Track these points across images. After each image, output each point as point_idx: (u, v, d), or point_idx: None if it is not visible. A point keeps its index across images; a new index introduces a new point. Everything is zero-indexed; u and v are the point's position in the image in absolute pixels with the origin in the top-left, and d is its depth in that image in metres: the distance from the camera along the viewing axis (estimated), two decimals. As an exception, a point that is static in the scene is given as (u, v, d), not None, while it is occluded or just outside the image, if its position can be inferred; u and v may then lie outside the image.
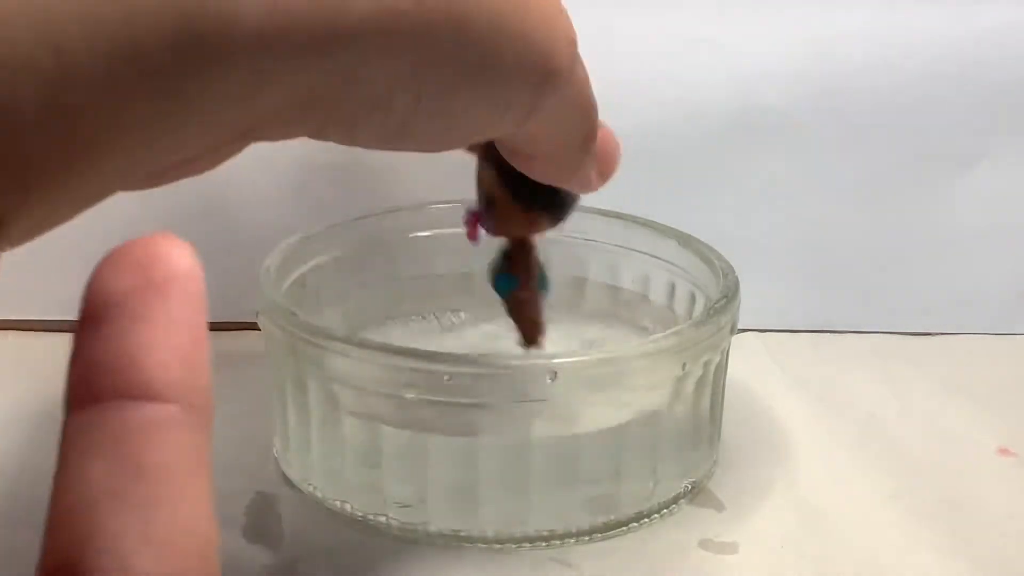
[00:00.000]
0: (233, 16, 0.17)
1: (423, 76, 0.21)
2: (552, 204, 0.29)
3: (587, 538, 0.31)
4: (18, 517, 0.31)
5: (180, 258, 0.16)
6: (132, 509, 0.15)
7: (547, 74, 0.23)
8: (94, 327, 0.16)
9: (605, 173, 0.28)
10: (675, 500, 0.32)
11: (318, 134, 0.21)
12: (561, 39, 0.23)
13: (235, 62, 0.17)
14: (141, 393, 0.15)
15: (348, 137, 0.22)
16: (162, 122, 0.18)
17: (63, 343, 0.43)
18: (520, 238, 0.30)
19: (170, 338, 0.15)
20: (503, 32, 0.21)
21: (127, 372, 0.15)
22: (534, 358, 0.28)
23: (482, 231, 0.30)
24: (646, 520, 0.32)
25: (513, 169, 0.27)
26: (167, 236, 0.16)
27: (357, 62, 0.19)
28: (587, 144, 0.27)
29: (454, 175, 0.42)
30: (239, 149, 0.22)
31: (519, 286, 0.31)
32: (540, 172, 0.27)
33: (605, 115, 0.42)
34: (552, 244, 0.39)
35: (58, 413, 0.37)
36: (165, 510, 0.15)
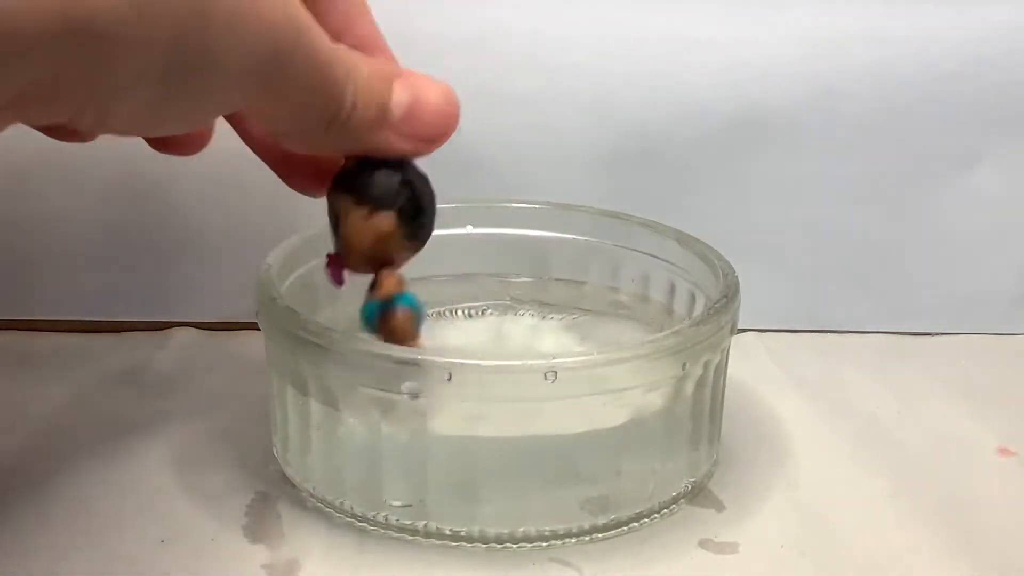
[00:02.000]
0: None
1: (169, 64, 0.22)
2: (386, 196, 0.28)
3: (587, 538, 0.31)
4: (17, 515, 0.31)
5: None
6: None
7: (269, 58, 0.23)
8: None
9: (420, 136, 0.28)
10: (675, 500, 0.32)
11: (73, 121, 0.22)
12: (282, 24, 0.24)
13: None
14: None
15: (100, 124, 0.23)
16: None
17: (64, 343, 0.43)
18: (380, 265, 0.29)
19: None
20: (240, 20, 0.22)
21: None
22: (534, 358, 0.28)
23: (347, 273, 0.29)
24: (646, 520, 0.32)
25: (343, 170, 0.28)
26: None
27: (102, 51, 0.20)
28: (331, 124, 0.26)
29: (454, 175, 0.43)
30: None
31: (382, 312, 0.29)
32: (295, 147, 0.28)
33: (605, 114, 0.42)
34: (552, 244, 0.39)
35: (58, 413, 0.38)
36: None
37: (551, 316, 0.39)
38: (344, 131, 0.27)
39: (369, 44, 0.30)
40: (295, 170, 0.30)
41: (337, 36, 0.27)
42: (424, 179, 0.29)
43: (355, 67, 0.27)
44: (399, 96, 0.28)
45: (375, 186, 0.28)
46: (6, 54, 0.19)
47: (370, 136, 0.27)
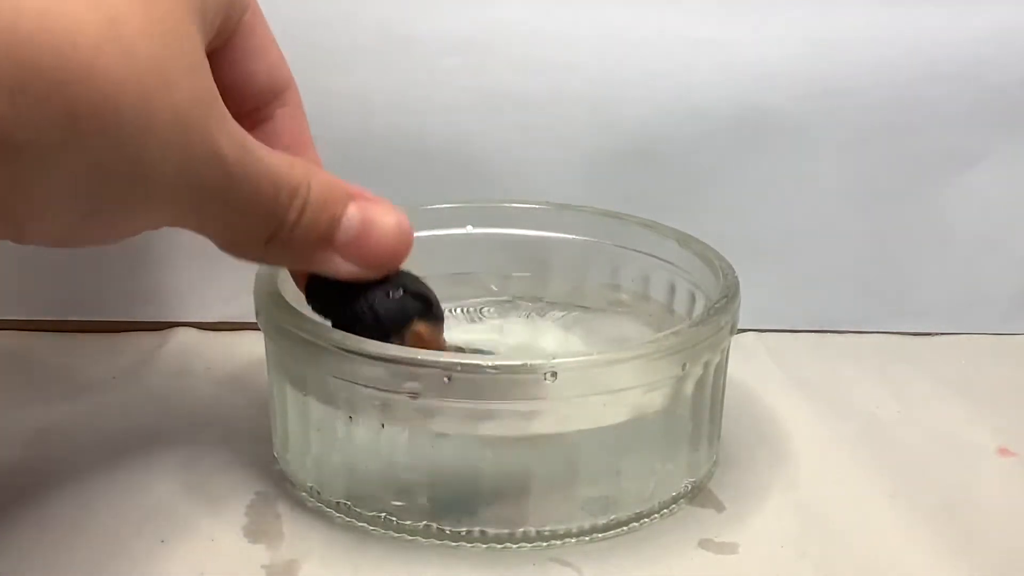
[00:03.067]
0: None
1: (86, 187, 0.22)
2: (400, 317, 0.29)
3: (587, 538, 0.31)
4: (17, 515, 0.31)
5: None
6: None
7: (195, 185, 0.24)
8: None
9: (367, 261, 0.28)
10: (675, 500, 0.32)
11: None
12: (219, 144, 0.24)
13: None
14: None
15: (16, 235, 0.23)
16: None
17: (64, 343, 0.43)
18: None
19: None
20: (151, 139, 0.22)
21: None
22: (534, 358, 0.28)
23: None
24: (646, 520, 0.32)
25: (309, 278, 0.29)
26: None
27: (20, 173, 0.21)
28: (271, 241, 0.26)
29: (454, 175, 0.43)
30: None
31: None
32: (238, 257, 0.28)
33: (605, 114, 0.42)
34: (552, 244, 0.39)
35: (58, 413, 0.38)
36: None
37: (551, 314, 0.39)
38: (285, 248, 0.27)
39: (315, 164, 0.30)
40: None
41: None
42: (406, 273, 0.29)
43: (302, 183, 0.26)
44: (351, 216, 0.27)
45: (390, 318, 0.29)
46: None
47: (313, 255, 0.28)
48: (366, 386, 0.29)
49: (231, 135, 0.24)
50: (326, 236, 0.27)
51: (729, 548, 0.31)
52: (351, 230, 0.27)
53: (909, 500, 0.33)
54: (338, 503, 0.31)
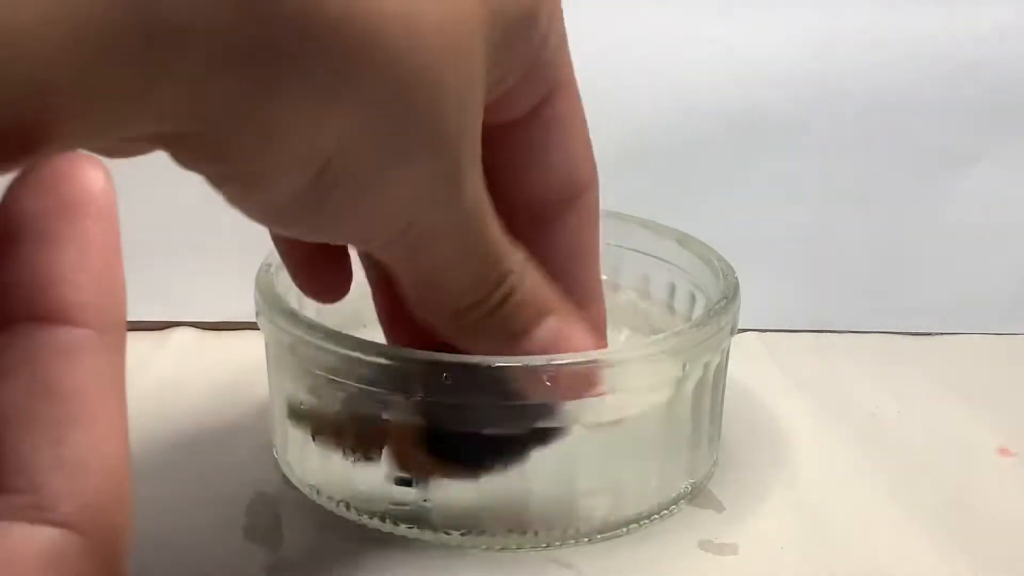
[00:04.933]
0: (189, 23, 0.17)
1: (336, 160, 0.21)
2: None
3: (587, 539, 0.31)
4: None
5: (93, 179, 0.16)
6: (44, 430, 0.14)
7: (428, 199, 0.22)
8: (5, 249, 0.15)
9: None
10: (675, 501, 0.32)
11: (217, 176, 0.21)
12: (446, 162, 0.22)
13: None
14: (54, 316, 0.15)
15: (241, 193, 0.22)
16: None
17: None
18: None
19: (83, 260, 0.15)
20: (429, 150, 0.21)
21: (39, 294, 0.15)
22: (533, 359, 0.28)
23: None
24: (646, 521, 0.32)
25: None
26: (80, 156, 0.16)
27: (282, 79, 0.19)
28: (462, 316, 0.25)
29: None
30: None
31: None
32: (420, 314, 0.26)
33: (605, 114, 0.42)
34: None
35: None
36: (77, 432, 0.15)
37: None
38: (472, 330, 0.26)
39: (582, 290, 0.28)
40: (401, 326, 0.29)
41: (552, 272, 0.27)
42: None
43: (516, 271, 0.25)
44: (547, 329, 0.27)
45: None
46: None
47: (493, 349, 0.27)
48: (366, 386, 0.29)
49: (476, 181, 0.23)
50: (515, 336, 0.26)
51: (729, 549, 0.31)
52: (542, 342, 0.27)
53: (909, 500, 0.33)
54: (338, 503, 0.31)
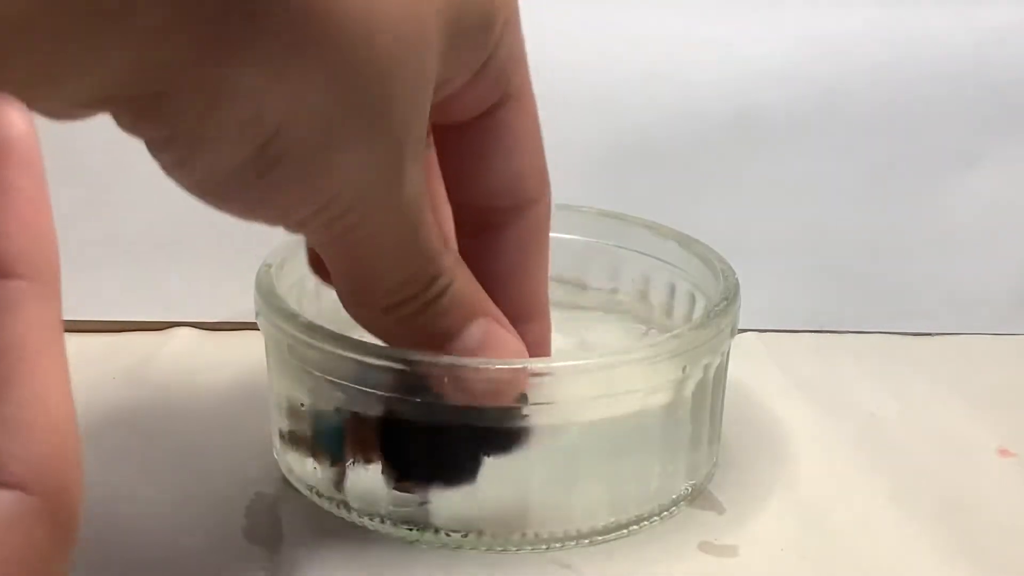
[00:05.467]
0: None
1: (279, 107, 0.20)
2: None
3: (587, 540, 0.31)
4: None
5: (13, 123, 0.15)
6: None
7: (370, 181, 0.22)
8: None
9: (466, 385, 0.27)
10: (675, 502, 0.32)
11: (158, 144, 0.21)
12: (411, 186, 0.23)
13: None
14: None
15: (182, 158, 0.22)
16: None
17: (65, 343, 0.42)
18: None
19: (10, 208, 0.15)
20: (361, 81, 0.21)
21: None
22: (533, 360, 0.28)
23: None
24: (646, 522, 0.31)
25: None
26: None
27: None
28: (392, 310, 0.25)
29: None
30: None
31: None
32: (346, 305, 0.26)
33: (605, 114, 0.42)
34: (552, 244, 0.39)
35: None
36: (20, 389, 0.14)
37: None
38: (401, 325, 0.26)
39: (524, 303, 0.28)
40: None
41: (496, 282, 0.27)
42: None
43: (449, 270, 0.25)
44: (473, 333, 0.26)
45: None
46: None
47: (420, 347, 0.26)
48: (365, 387, 0.29)
49: (416, 175, 0.23)
50: (443, 337, 0.26)
51: (729, 550, 0.31)
52: (471, 343, 0.27)
53: (909, 500, 0.33)
54: (338, 504, 0.31)
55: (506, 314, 0.28)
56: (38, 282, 0.15)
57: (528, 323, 0.29)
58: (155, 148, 0.22)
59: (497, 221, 0.28)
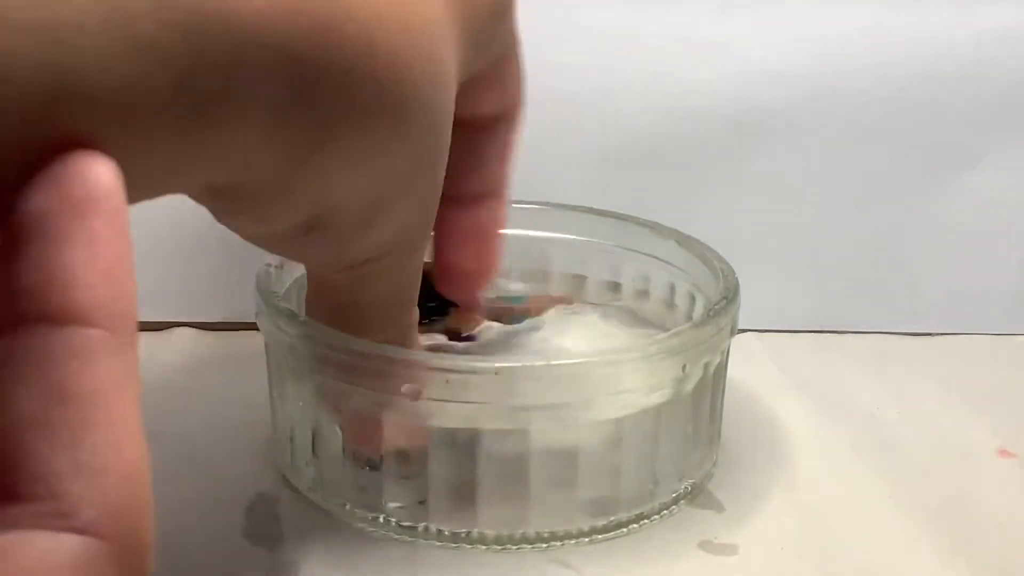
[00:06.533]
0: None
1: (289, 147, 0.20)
2: None
3: (587, 539, 0.31)
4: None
5: (100, 175, 0.15)
6: (61, 435, 0.14)
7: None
8: (15, 249, 0.15)
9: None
10: (675, 501, 0.32)
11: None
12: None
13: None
14: (65, 317, 0.15)
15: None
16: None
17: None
18: None
19: (93, 259, 0.15)
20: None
21: (50, 295, 0.15)
22: (533, 359, 0.28)
23: None
24: (646, 521, 0.32)
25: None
26: (88, 153, 0.15)
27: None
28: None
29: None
30: None
31: None
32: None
33: (605, 114, 0.42)
34: (552, 244, 0.39)
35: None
36: (94, 435, 0.15)
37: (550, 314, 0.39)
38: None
39: (496, 183, 0.30)
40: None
41: (469, 168, 0.28)
42: None
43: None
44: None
45: None
46: None
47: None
48: (365, 387, 0.29)
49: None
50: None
51: (729, 549, 0.31)
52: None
53: (909, 500, 0.33)
54: (338, 504, 0.31)
55: (475, 193, 0.29)
56: (116, 332, 0.15)
57: (492, 199, 0.30)
58: (216, 212, 0.22)
59: (483, 124, 0.29)
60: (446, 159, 0.24)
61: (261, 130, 0.19)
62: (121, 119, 0.16)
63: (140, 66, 0.16)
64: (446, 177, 0.27)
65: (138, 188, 0.17)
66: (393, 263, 0.25)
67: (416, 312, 0.28)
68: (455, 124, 0.26)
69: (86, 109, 0.16)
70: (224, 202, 0.21)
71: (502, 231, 0.30)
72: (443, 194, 0.28)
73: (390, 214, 0.23)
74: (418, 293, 0.27)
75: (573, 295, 0.39)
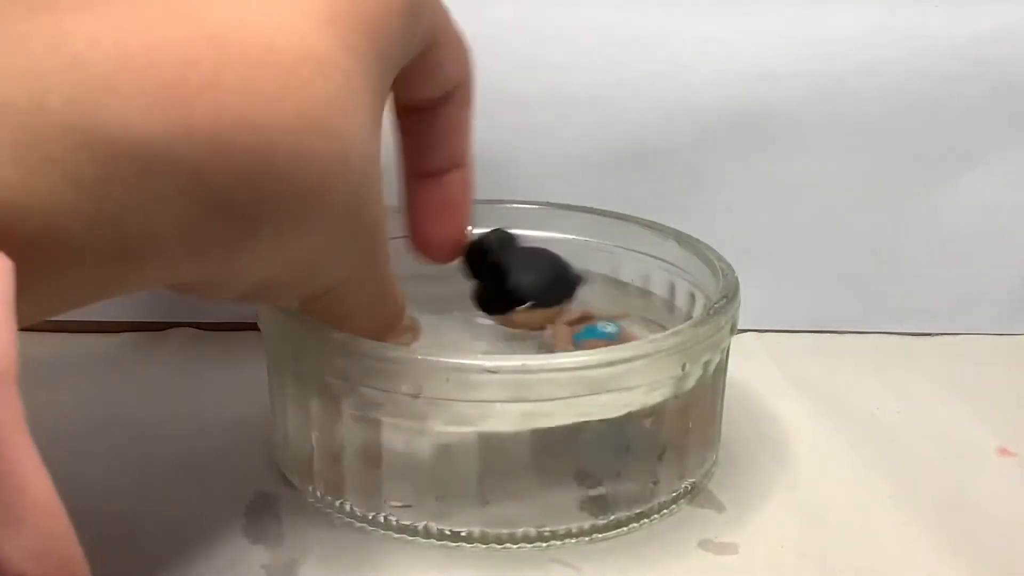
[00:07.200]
0: None
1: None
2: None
3: (587, 539, 0.31)
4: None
5: None
6: None
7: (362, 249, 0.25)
8: None
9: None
10: (675, 501, 0.32)
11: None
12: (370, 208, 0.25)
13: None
14: None
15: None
16: None
17: (64, 343, 0.43)
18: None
19: None
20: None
21: None
22: (533, 359, 0.28)
23: None
24: (646, 520, 0.32)
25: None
26: None
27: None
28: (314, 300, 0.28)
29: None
30: None
31: None
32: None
33: (605, 115, 0.42)
34: (552, 244, 0.39)
35: (58, 413, 0.37)
36: (2, 489, 0.15)
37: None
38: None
39: (457, 154, 0.30)
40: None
41: (433, 144, 0.29)
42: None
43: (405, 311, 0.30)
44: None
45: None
46: None
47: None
48: (366, 386, 0.29)
49: (386, 250, 0.26)
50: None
51: (729, 548, 0.31)
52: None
53: (909, 500, 0.33)
54: (338, 503, 0.31)
55: (439, 168, 0.30)
56: None
57: (457, 170, 0.30)
58: (169, 288, 0.23)
59: (432, 105, 0.30)
60: (379, 204, 0.24)
61: (177, 239, 0.20)
62: (40, 240, 0.18)
63: (54, 185, 0.18)
64: (410, 157, 0.29)
65: (69, 302, 0.20)
66: (353, 287, 0.26)
67: (400, 302, 0.29)
68: (406, 110, 0.28)
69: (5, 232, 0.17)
70: (167, 288, 0.23)
71: (471, 197, 0.31)
72: (409, 172, 0.29)
73: (328, 271, 0.25)
74: (395, 288, 0.28)
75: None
